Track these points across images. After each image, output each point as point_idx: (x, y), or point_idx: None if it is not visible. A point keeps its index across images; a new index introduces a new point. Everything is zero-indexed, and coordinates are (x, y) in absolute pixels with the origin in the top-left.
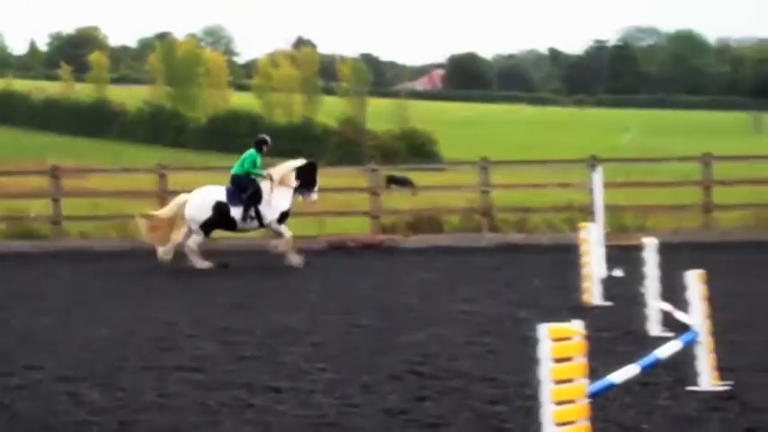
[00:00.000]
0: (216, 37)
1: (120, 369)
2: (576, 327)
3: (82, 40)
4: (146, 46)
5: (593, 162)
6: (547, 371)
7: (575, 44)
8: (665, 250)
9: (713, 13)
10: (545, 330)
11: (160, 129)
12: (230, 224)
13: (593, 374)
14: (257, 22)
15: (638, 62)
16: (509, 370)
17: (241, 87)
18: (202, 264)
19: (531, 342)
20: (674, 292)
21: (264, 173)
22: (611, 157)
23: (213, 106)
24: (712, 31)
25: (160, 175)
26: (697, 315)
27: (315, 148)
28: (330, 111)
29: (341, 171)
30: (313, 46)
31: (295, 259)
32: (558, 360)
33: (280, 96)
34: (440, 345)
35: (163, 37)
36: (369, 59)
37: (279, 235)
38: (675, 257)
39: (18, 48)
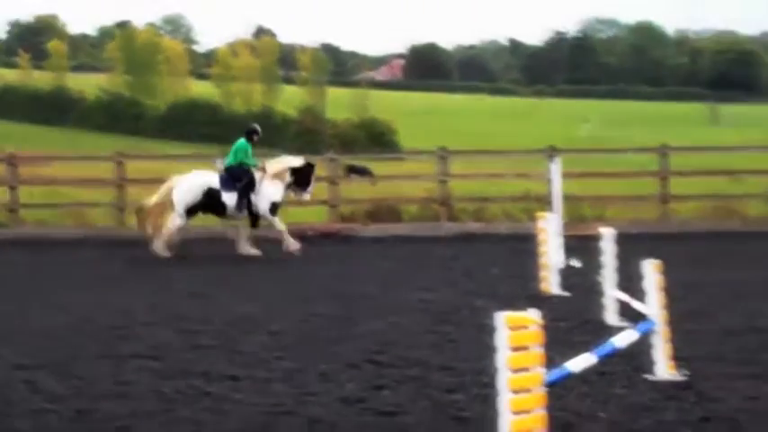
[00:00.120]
0: (175, 26)
1: (76, 357)
2: (533, 316)
3: (41, 27)
4: (105, 34)
5: (551, 152)
6: (504, 359)
7: (535, 35)
8: (623, 240)
9: (672, 4)
10: (502, 319)
11: (119, 117)
12: (220, 209)
13: (550, 363)
14: (217, 10)
15: (598, 53)
16: (466, 358)
17: (200, 76)
18: (163, 252)
19: (489, 331)
20: (631, 281)
21: (259, 163)
22: (569, 148)
23: (172, 95)
24: (671, 22)
25: (118, 163)
26: (654, 305)
27: (274, 137)
28: (290, 100)
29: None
30: (273, 35)
31: (253, 250)
32: (516, 349)
33: (239, 85)
34: (398, 333)
35: (122, 25)
36: (329, 49)
37: (256, 224)
38: (633, 247)
39: None
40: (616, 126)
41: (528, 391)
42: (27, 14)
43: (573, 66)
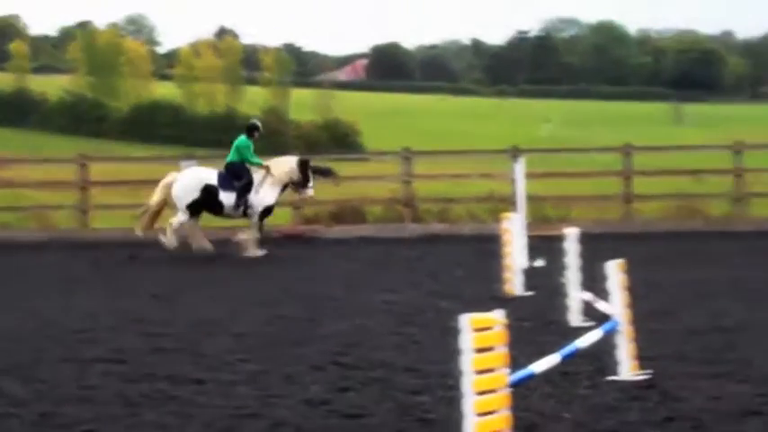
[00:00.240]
0: (137, 26)
1: (40, 361)
2: (498, 317)
3: (2, 28)
4: (67, 35)
5: (515, 152)
6: (468, 361)
7: (497, 35)
8: (587, 240)
9: (634, 3)
10: (467, 320)
11: (81, 118)
12: (217, 208)
13: (515, 364)
14: (179, 11)
15: (560, 53)
16: (431, 360)
17: (163, 77)
18: (171, 243)
19: (453, 332)
20: (594, 281)
21: (264, 163)
22: (533, 148)
23: (135, 96)
24: (633, 22)
25: (81, 165)
26: (617, 305)
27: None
28: (253, 101)
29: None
30: (235, 36)
31: (257, 252)
32: (480, 350)
33: (202, 86)
34: (362, 335)
35: (84, 26)
36: (291, 49)
37: (248, 227)
38: (596, 247)
39: None
40: (578, 126)
41: (492, 392)
42: None
43: (535, 65)
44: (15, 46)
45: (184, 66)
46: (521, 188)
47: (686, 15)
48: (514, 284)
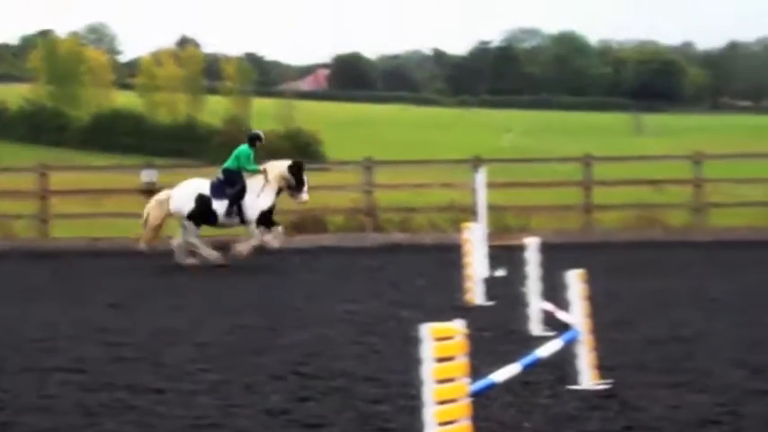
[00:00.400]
0: (99, 35)
1: (0, 370)
2: (458, 326)
3: None
4: (27, 43)
5: (476, 162)
6: (429, 370)
7: (459, 45)
8: (547, 250)
9: (595, 14)
10: (427, 330)
11: (41, 127)
12: (212, 218)
13: (475, 374)
14: (141, 20)
15: (522, 63)
16: (392, 370)
17: (124, 86)
18: (211, 254)
19: (414, 342)
20: (555, 291)
21: (261, 167)
22: (494, 158)
23: (96, 105)
24: (594, 32)
25: (41, 174)
26: (577, 314)
27: (199, 148)
28: (214, 110)
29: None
30: (197, 45)
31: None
32: (441, 359)
33: (163, 95)
34: (323, 345)
35: (45, 35)
36: (253, 59)
37: (249, 235)
38: (557, 257)
39: None
40: (539, 136)
41: (453, 401)
42: None
43: (496, 76)
44: None
45: (146, 75)
46: (482, 198)
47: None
48: (475, 294)
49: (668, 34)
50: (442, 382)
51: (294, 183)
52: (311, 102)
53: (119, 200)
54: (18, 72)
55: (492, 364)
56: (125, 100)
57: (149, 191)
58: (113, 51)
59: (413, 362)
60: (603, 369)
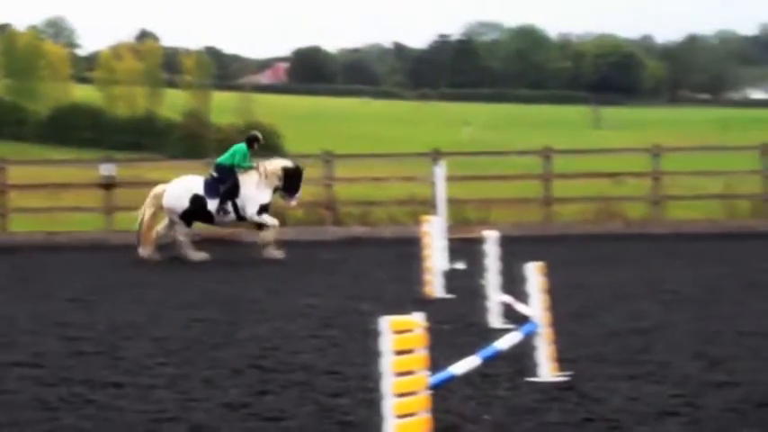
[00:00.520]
0: (57, 29)
1: None
2: (418, 319)
3: None
4: None
5: (435, 156)
6: (389, 363)
7: (419, 38)
8: (506, 243)
9: (555, 8)
10: (387, 323)
11: None
12: (207, 217)
13: (435, 366)
14: (99, 14)
15: (481, 57)
16: (352, 362)
17: (83, 80)
18: (196, 255)
19: (374, 334)
20: (514, 284)
21: (255, 164)
22: (453, 151)
23: (55, 99)
24: (554, 26)
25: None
26: (537, 307)
27: (158, 142)
28: (174, 104)
29: (184, 164)
30: (156, 39)
31: (276, 253)
32: (400, 352)
33: (122, 89)
34: (282, 338)
35: (3, 29)
36: (212, 52)
37: (261, 227)
38: (516, 250)
39: None
40: (499, 129)
41: (413, 394)
42: None
43: (456, 69)
44: None
45: (105, 69)
46: (441, 191)
47: (606, 20)
48: (435, 287)
49: (628, 28)
50: (401, 374)
51: (286, 185)
52: (271, 95)
53: (77, 194)
54: None
55: (451, 356)
56: (84, 94)
57: (108, 185)
58: (72, 45)
59: (372, 355)
60: (562, 361)
